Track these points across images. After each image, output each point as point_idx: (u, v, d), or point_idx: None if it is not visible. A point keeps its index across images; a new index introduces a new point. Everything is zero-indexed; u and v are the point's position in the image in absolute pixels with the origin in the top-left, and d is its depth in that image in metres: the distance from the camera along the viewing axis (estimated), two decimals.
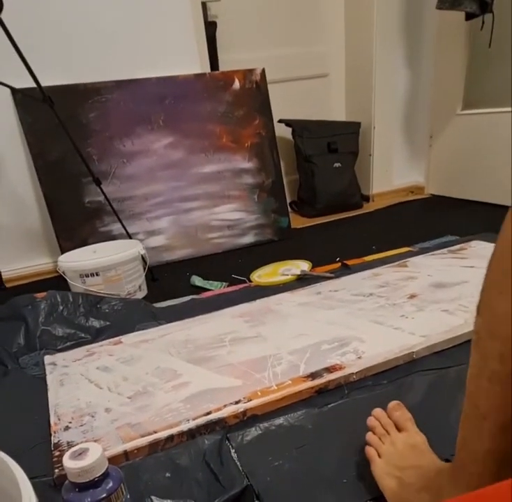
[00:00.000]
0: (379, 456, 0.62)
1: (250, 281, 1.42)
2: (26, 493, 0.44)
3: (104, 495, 0.49)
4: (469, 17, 1.83)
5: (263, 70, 1.85)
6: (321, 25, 2.21)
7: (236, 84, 1.81)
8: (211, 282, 1.43)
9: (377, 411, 0.68)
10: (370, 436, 0.65)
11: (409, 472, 0.56)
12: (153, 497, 0.63)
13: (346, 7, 2.19)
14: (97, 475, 0.49)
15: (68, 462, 0.49)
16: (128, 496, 0.54)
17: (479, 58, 2.02)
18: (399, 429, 0.64)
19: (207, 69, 1.86)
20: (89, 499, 0.49)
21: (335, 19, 2.21)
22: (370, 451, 0.63)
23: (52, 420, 0.81)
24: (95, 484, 0.50)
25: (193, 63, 1.81)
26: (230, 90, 1.80)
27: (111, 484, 0.50)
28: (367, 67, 2.17)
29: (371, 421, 0.67)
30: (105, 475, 0.50)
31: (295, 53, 2.19)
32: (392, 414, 0.66)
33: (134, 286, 1.35)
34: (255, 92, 1.84)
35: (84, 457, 0.49)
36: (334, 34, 2.24)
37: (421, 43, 2.20)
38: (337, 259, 1.52)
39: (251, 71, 1.83)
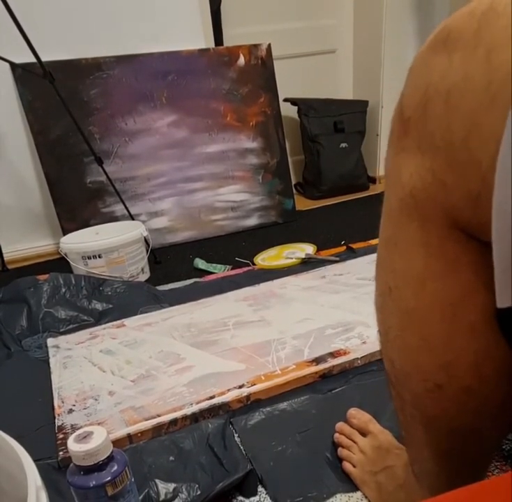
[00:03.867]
0: (354, 466, 0.62)
1: (254, 264, 1.40)
2: (31, 476, 0.43)
3: (108, 478, 0.49)
4: None
5: (269, 46, 1.79)
6: None
7: (241, 60, 1.75)
8: (214, 264, 1.41)
9: (339, 425, 0.69)
10: (340, 451, 0.66)
11: (382, 475, 0.58)
12: (157, 480, 0.63)
13: None
14: (102, 459, 0.49)
15: (73, 445, 0.48)
16: (133, 479, 0.54)
17: None
18: (363, 434, 0.65)
19: (211, 44, 1.80)
20: (94, 482, 0.49)
21: None
22: (344, 465, 0.64)
23: (56, 402, 0.81)
24: (99, 467, 0.49)
25: (197, 37, 1.75)
26: (235, 67, 1.75)
27: (115, 468, 0.50)
28: (376, 44, 2.10)
29: (337, 437, 0.67)
30: (110, 459, 0.50)
31: (301, 27, 2.11)
32: (352, 422, 0.67)
33: (137, 268, 1.34)
34: (261, 68, 1.79)
35: (89, 441, 0.49)
36: (343, 8, 2.15)
37: (433, 18, 2.12)
38: (343, 242, 1.50)
39: (256, 46, 1.77)
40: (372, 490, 0.58)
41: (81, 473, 0.49)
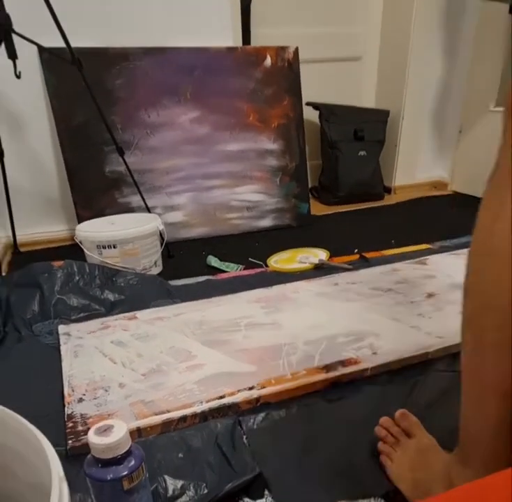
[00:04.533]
0: (392, 461, 0.65)
1: (267, 266, 1.40)
2: (55, 467, 0.43)
3: (125, 472, 0.49)
4: None
5: (296, 49, 1.78)
6: (359, 5, 2.12)
7: (268, 61, 1.75)
8: (227, 263, 1.41)
9: (385, 421, 0.70)
10: (381, 445, 0.68)
11: (421, 472, 0.60)
12: (166, 476, 0.63)
13: None
14: (120, 453, 0.49)
15: (94, 438, 0.49)
16: (147, 475, 0.54)
17: None
18: (408, 435, 0.67)
19: (239, 42, 1.80)
20: (111, 475, 0.49)
21: (373, 0, 2.12)
22: (383, 459, 0.66)
23: (66, 390, 0.81)
24: (118, 461, 0.50)
25: (226, 34, 1.75)
26: (261, 67, 1.74)
27: (133, 463, 0.50)
28: (402, 55, 2.09)
29: (380, 431, 0.69)
30: (128, 453, 0.50)
31: (329, 32, 2.10)
32: (400, 423, 0.69)
33: (150, 261, 1.35)
34: (287, 71, 1.78)
35: (110, 434, 0.49)
36: (371, 16, 2.15)
37: (460, 33, 2.11)
38: (356, 250, 1.50)
39: (284, 49, 1.77)
40: (409, 486, 0.60)
41: (99, 465, 0.49)
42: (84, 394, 0.80)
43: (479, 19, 2.00)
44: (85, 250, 1.30)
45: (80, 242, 1.31)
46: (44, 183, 1.69)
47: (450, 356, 0.91)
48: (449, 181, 2.31)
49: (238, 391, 0.79)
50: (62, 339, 0.98)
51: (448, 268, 1.29)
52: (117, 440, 0.48)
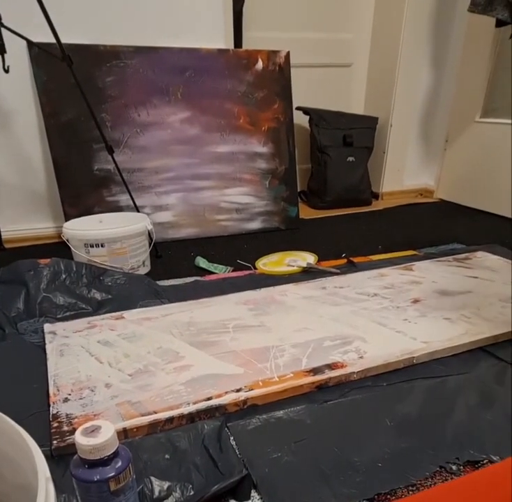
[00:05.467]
0: None
1: (255, 268, 1.41)
2: (41, 468, 0.42)
3: (112, 474, 0.49)
4: (499, 23, 1.79)
5: (288, 53, 1.80)
6: (350, 13, 2.15)
7: (259, 64, 1.76)
8: (215, 264, 1.41)
9: None
10: None
11: None
12: (152, 477, 0.63)
13: None
14: (107, 454, 0.49)
15: (81, 439, 0.48)
16: (134, 476, 0.54)
17: (504, 67, 1.98)
18: None
19: (230, 45, 1.80)
20: (98, 477, 0.49)
21: (365, 8, 2.15)
22: None
23: (51, 390, 0.80)
24: (104, 462, 0.49)
25: (217, 36, 1.75)
26: (252, 70, 1.75)
27: (120, 464, 0.50)
28: (391, 63, 2.12)
29: None
30: (115, 454, 0.50)
31: (320, 38, 2.13)
32: None
33: (138, 260, 1.34)
34: (278, 75, 1.80)
35: (97, 435, 0.48)
36: (362, 24, 2.18)
37: (448, 44, 2.15)
38: (343, 255, 1.52)
39: (275, 53, 1.78)
40: None
41: (86, 466, 0.49)
42: (70, 394, 0.79)
43: (467, 31, 2.05)
44: (72, 248, 1.28)
45: (67, 241, 1.29)
46: (32, 180, 1.67)
47: (434, 361, 0.92)
48: (435, 189, 2.35)
49: (226, 393, 0.79)
50: (47, 338, 0.96)
51: (434, 274, 1.31)
52: (104, 441, 0.48)
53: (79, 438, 0.48)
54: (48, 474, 0.42)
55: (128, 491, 0.51)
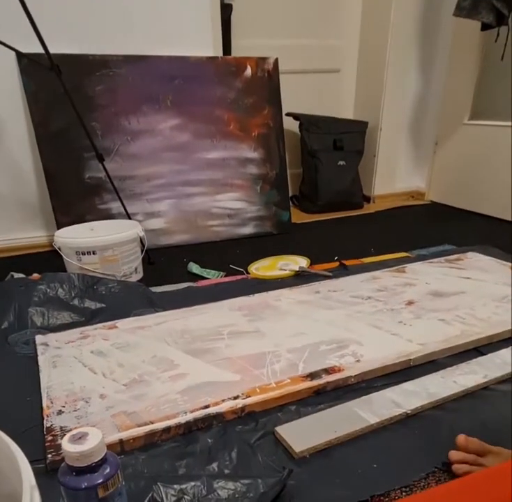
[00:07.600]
0: None
1: (248, 273, 1.40)
2: (26, 475, 0.41)
3: (100, 480, 0.48)
4: (484, 27, 1.82)
5: (276, 60, 1.81)
6: (338, 19, 2.17)
7: (248, 71, 1.77)
8: (208, 270, 1.41)
9: (455, 454, 0.65)
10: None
11: None
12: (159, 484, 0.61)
13: (364, 4, 2.16)
14: (95, 461, 0.48)
15: (68, 445, 0.47)
16: (123, 483, 0.53)
17: (490, 70, 2.02)
18: (481, 456, 0.64)
19: (219, 52, 1.81)
20: (86, 484, 0.48)
21: (352, 15, 2.18)
22: None
23: (44, 402, 0.78)
24: (92, 469, 0.48)
25: (206, 45, 1.76)
26: (242, 77, 1.76)
27: (108, 470, 0.49)
28: (380, 67, 2.15)
29: (459, 468, 0.64)
30: (103, 461, 0.49)
31: (308, 44, 2.15)
32: (467, 448, 0.65)
33: (130, 267, 1.33)
34: (267, 81, 1.80)
35: (84, 442, 0.48)
36: (349, 30, 2.20)
37: (435, 48, 2.19)
38: (336, 258, 1.52)
39: (264, 59, 1.79)
40: None
41: (74, 473, 0.48)
42: (64, 406, 0.77)
43: (453, 35, 2.08)
44: (64, 256, 1.27)
45: (59, 249, 1.28)
46: (23, 189, 1.65)
47: (430, 363, 0.92)
48: (426, 191, 2.37)
49: (223, 401, 0.78)
50: (39, 349, 0.95)
51: (427, 276, 1.32)
52: (91, 448, 0.47)
53: (66, 445, 0.47)
54: (33, 482, 0.41)
55: (116, 497, 0.50)
